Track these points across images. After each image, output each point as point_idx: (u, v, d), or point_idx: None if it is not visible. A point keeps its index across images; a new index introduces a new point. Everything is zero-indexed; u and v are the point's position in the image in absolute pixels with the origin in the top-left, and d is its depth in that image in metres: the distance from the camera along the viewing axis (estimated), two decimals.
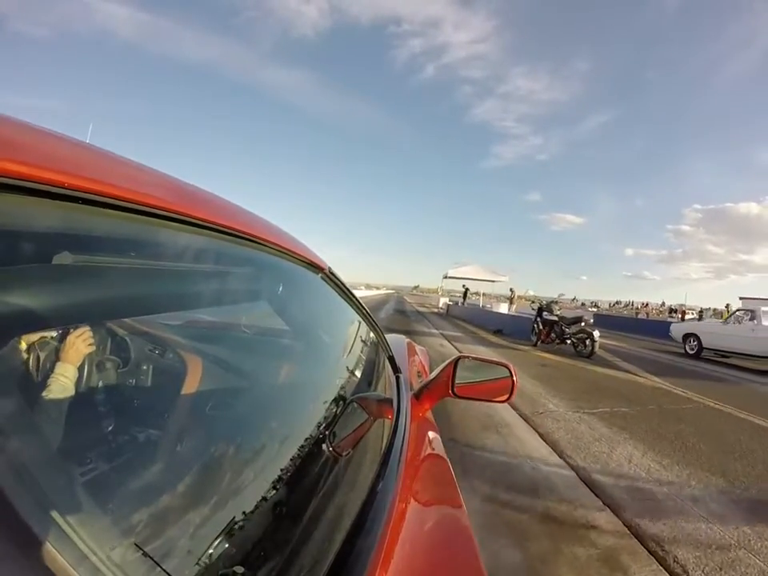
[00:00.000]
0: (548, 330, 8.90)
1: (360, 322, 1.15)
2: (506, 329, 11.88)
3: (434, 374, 1.17)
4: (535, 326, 9.25)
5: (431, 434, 1.14)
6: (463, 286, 25.29)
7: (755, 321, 8.51)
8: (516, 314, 14.91)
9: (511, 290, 21.82)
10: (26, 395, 0.44)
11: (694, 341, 9.76)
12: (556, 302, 9.95)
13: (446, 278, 25.45)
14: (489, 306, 22.54)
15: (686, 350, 9.92)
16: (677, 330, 10.70)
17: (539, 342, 9.08)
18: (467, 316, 18.07)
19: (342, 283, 1.00)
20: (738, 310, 9.29)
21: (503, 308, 18.38)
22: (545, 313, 9.09)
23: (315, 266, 0.88)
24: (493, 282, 25.34)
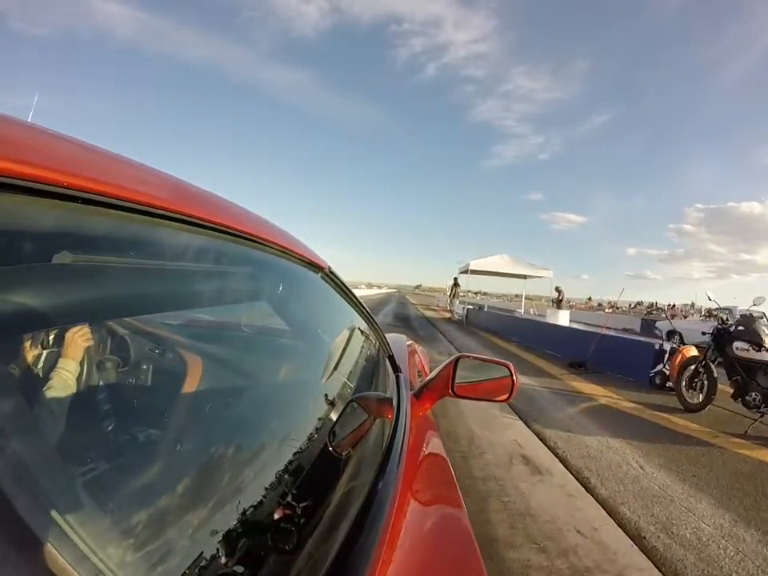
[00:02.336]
0: (747, 382, 3.99)
1: (360, 321, 1.15)
2: (583, 357, 6.61)
3: (433, 373, 1.17)
4: (699, 368, 4.36)
5: (431, 434, 1.14)
6: (454, 279, 18.75)
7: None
8: (586, 329, 9.05)
9: (558, 289, 15.24)
10: (26, 395, 0.44)
11: (677, 337, 10.66)
12: (763, 318, 4.54)
13: (464, 272, 17.79)
14: (519, 311, 17.06)
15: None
16: (662, 327, 12.50)
17: (699, 402, 4.28)
18: (503, 329, 11.30)
19: (342, 282, 1.00)
20: (716, 309, 10.00)
21: (563, 318, 11.58)
22: (738, 343, 4.13)
23: (315, 266, 0.87)
24: (525, 277, 18.39)
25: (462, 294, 21.68)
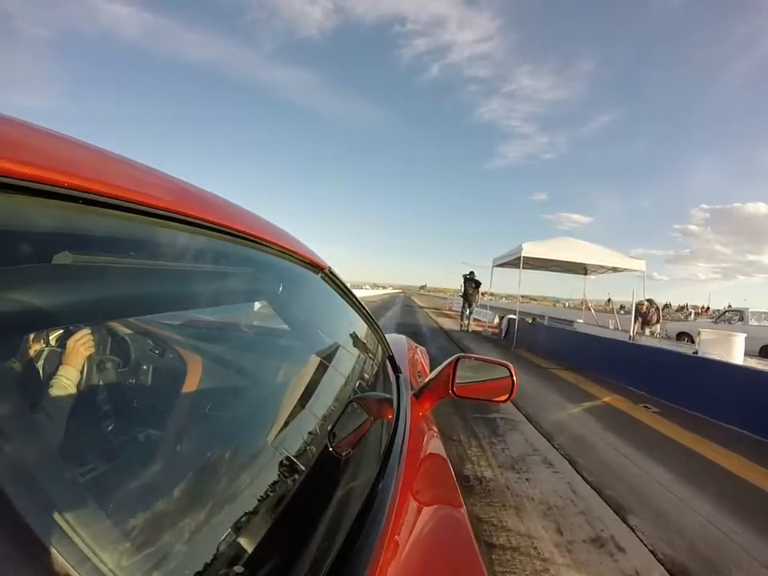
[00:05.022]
0: None
1: (360, 322, 1.15)
2: None
3: (433, 373, 1.17)
4: None
5: (431, 434, 1.14)
6: (470, 274, 12.07)
7: (743, 321, 9.47)
8: None
9: (648, 302, 9.50)
10: (27, 396, 0.44)
11: (686, 339, 10.44)
12: None
13: (504, 265, 11.42)
14: (579, 320, 11.89)
15: None
16: (671, 328, 11.90)
17: None
18: (592, 361, 6.45)
19: (342, 283, 1.00)
20: (727, 311, 10.08)
21: (738, 349, 5.96)
22: None
23: (315, 266, 0.88)
24: (586, 273, 12.39)
25: (484, 295, 13.52)
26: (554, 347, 7.79)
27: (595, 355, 6.49)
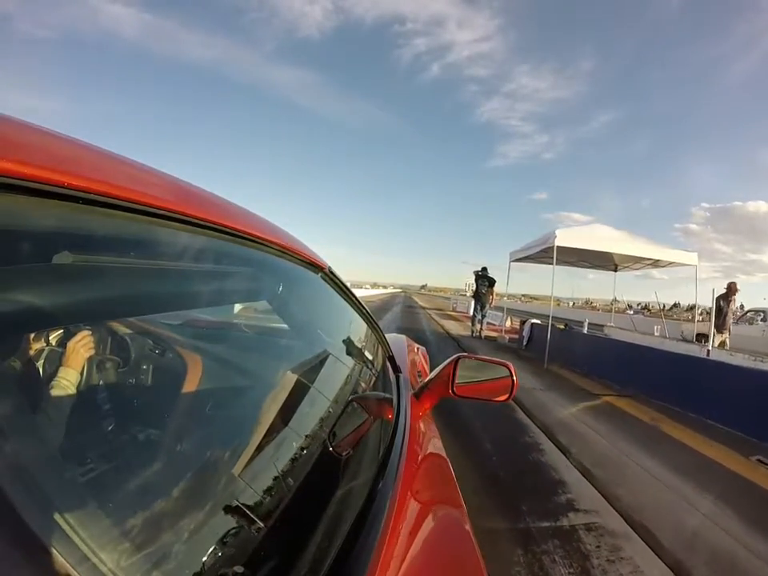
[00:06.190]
0: None
1: (360, 322, 1.16)
2: None
3: (433, 373, 1.17)
4: None
5: (431, 434, 1.14)
6: (482, 270, 10.18)
7: (767, 321, 9.23)
8: None
9: (728, 286, 7.37)
10: (27, 396, 0.44)
11: (705, 341, 10.25)
12: None
13: (521, 259, 9.25)
14: (609, 324, 10.12)
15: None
16: (687, 329, 11.24)
17: None
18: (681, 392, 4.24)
19: (342, 282, 1.01)
20: (749, 311, 9.89)
21: None
22: None
23: (315, 265, 0.88)
24: (616, 269, 9.95)
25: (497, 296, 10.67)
26: (596, 362, 6.09)
27: (657, 375, 4.81)
